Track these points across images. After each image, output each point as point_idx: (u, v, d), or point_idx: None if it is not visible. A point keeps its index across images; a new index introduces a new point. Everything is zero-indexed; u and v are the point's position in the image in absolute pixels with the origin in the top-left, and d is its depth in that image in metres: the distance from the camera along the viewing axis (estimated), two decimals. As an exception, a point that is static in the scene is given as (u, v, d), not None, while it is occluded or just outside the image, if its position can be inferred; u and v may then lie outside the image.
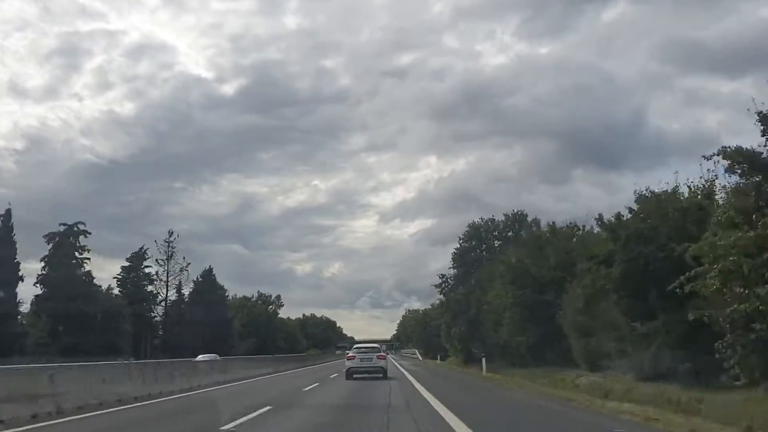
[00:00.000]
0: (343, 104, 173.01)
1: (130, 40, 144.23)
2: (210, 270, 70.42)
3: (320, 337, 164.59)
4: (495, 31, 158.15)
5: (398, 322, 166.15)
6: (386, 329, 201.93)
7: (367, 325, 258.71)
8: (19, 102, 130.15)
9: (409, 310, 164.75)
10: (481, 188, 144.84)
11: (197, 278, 67.78)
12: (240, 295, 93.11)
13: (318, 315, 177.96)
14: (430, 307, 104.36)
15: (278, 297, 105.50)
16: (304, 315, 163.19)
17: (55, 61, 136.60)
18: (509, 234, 47.90)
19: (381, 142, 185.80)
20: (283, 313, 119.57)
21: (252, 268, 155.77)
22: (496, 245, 48.46)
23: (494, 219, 50.39)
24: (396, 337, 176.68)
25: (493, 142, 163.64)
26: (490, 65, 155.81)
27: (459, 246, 51.63)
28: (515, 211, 49.29)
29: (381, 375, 24.41)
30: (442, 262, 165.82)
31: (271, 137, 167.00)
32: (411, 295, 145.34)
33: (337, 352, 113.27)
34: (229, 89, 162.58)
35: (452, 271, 53.52)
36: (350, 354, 26.39)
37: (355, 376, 24.51)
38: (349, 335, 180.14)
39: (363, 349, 26.30)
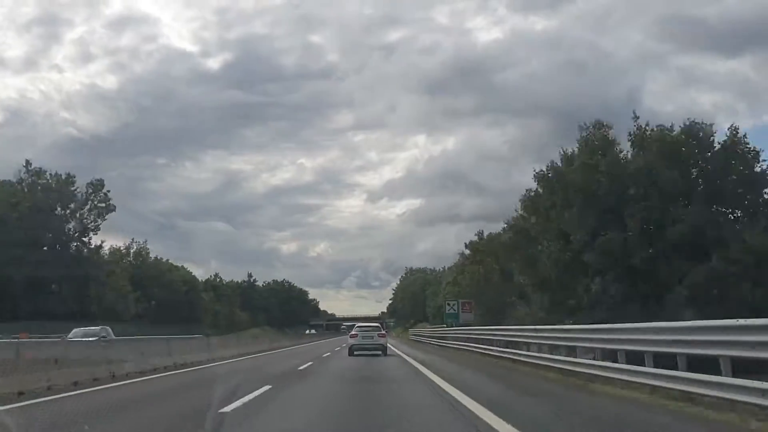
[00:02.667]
0: (330, 80, 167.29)
1: (112, 11, 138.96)
2: None
3: (282, 311, 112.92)
4: (488, 1, 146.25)
5: (391, 297, 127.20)
6: (372, 309, 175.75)
7: (354, 305, 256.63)
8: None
9: (410, 270, 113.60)
10: (471, 167, 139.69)
11: None
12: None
13: (279, 280, 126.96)
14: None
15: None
16: (250, 275, 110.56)
17: (35, 30, 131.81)
18: None
19: (369, 119, 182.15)
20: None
21: (236, 246, 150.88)
22: None
23: None
24: (390, 312, 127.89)
25: (485, 119, 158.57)
26: (482, 40, 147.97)
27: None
28: None
29: (380, 353, 25.25)
30: (429, 242, 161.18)
31: (256, 114, 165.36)
32: (398, 274, 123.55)
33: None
34: (213, 64, 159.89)
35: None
36: (353, 332, 27.11)
37: (356, 352, 25.09)
38: (330, 312, 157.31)
39: (365, 328, 27.17)
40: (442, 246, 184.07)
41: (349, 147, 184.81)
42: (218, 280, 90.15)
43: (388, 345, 28.02)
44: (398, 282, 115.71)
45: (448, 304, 44.11)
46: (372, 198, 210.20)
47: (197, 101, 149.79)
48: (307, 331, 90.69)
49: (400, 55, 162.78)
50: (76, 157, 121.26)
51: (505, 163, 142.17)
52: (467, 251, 48.81)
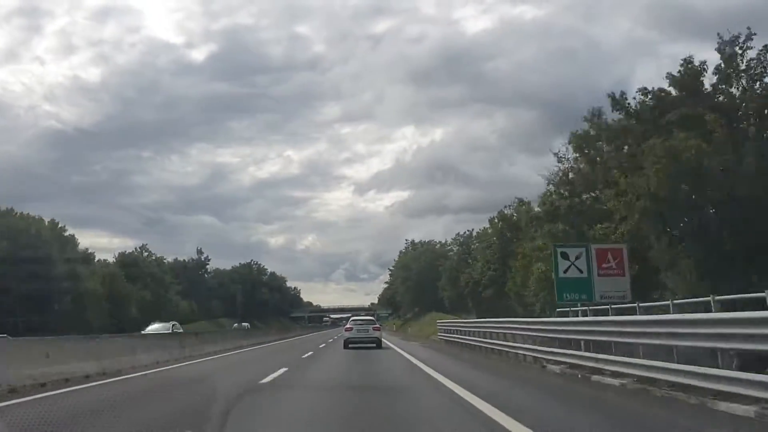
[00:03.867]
0: (317, 71, 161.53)
1: (95, 2, 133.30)
2: None
3: (249, 300, 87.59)
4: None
5: (386, 281, 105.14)
6: (362, 301, 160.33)
7: (342, 297, 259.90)
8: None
9: (412, 243, 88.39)
10: (459, 158, 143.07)
11: None
12: None
13: (246, 261, 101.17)
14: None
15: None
16: (200, 252, 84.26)
17: (15, 22, 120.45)
18: None
19: (356, 111, 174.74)
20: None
21: (224, 239, 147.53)
22: None
23: None
24: (385, 300, 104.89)
25: (473, 110, 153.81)
26: (470, 29, 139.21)
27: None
28: None
29: (375, 345, 25.80)
30: (418, 234, 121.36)
31: (243, 106, 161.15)
32: (387, 266, 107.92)
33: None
34: (198, 55, 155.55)
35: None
36: (348, 326, 27.87)
37: (351, 345, 25.62)
38: (315, 304, 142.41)
39: (360, 321, 27.97)
40: (431, 238, 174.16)
41: (336, 139, 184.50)
42: (145, 254, 64.45)
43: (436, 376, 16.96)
44: (395, 260, 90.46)
45: (563, 255, 18.65)
46: (360, 190, 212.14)
47: (182, 93, 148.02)
48: (236, 325, 64.17)
49: (387, 45, 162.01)
50: (59, 150, 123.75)
51: (493, 154, 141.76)
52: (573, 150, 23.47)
